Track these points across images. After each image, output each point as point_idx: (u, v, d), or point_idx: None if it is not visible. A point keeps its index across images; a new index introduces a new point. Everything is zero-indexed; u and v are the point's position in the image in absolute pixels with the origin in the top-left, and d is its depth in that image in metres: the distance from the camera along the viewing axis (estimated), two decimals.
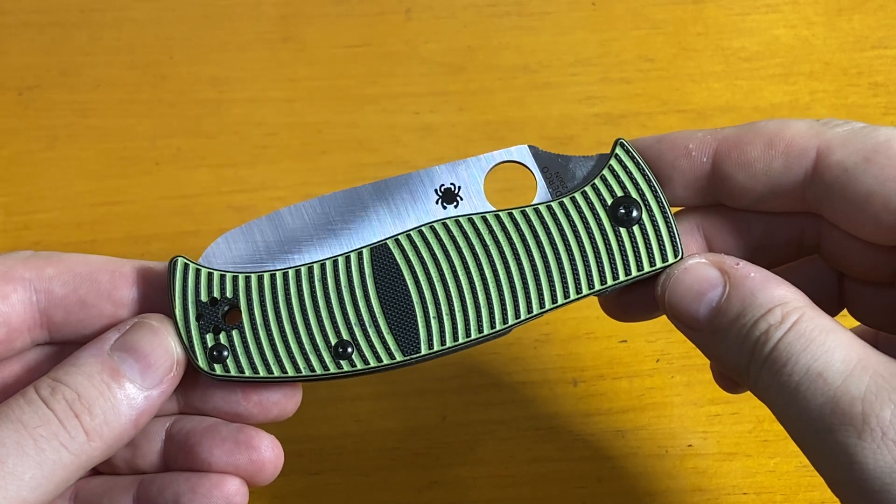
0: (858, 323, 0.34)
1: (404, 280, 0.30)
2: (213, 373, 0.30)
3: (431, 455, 0.44)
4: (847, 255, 0.31)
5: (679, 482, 0.43)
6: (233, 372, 0.30)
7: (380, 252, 0.31)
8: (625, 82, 0.54)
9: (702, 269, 0.29)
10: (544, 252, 0.31)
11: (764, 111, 0.53)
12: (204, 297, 0.31)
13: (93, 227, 0.49)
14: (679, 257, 0.31)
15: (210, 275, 0.31)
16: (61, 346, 0.32)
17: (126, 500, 0.31)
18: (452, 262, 0.31)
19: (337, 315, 0.30)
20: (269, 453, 0.31)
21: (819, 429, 0.26)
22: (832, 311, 0.31)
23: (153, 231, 0.49)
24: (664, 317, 0.34)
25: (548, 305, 0.30)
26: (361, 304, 0.30)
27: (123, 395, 0.28)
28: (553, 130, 0.52)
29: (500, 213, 0.31)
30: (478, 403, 0.45)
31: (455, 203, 0.31)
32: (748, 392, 0.32)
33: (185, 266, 0.31)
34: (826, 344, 0.26)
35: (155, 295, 0.31)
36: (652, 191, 0.31)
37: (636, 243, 0.31)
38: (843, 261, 0.31)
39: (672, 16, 0.56)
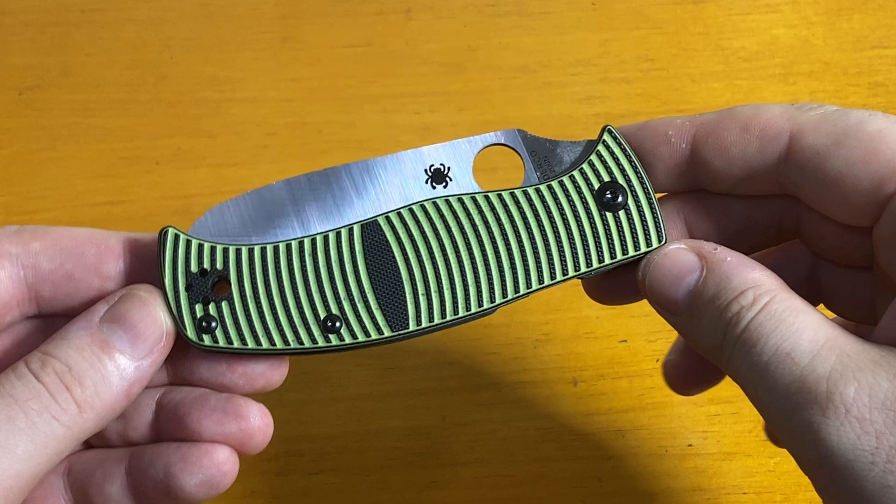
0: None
1: (394, 257, 0.31)
2: (201, 343, 0.30)
3: (431, 455, 0.44)
4: (824, 238, 0.31)
5: (679, 482, 0.43)
6: (221, 343, 0.30)
7: (370, 229, 0.31)
8: (625, 82, 0.54)
9: (680, 254, 0.30)
10: (532, 234, 0.31)
11: None
12: (194, 268, 0.31)
13: (93, 227, 0.49)
14: (662, 243, 0.31)
15: (200, 246, 0.31)
16: (50, 319, 0.32)
17: (119, 472, 0.31)
18: (442, 240, 0.31)
19: (326, 289, 0.31)
20: (257, 422, 0.31)
21: (786, 407, 0.26)
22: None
23: (153, 231, 0.49)
24: (650, 304, 0.34)
25: (534, 286, 0.31)
26: (351, 279, 0.31)
27: (114, 366, 0.28)
28: (553, 130, 0.52)
29: (489, 195, 0.31)
30: (478, 403, 0.45)
31: (444, 183, 0.32)
32: None
33: (176, 236, 0.31)
34: (795, 325, 0.27)
35: (142, 267, 0.31)
36: (638, 177, 0.31)
37: (622, 228, 0.31)
38: (822, 243, 0.32)
39: (672, 16, 0.56)
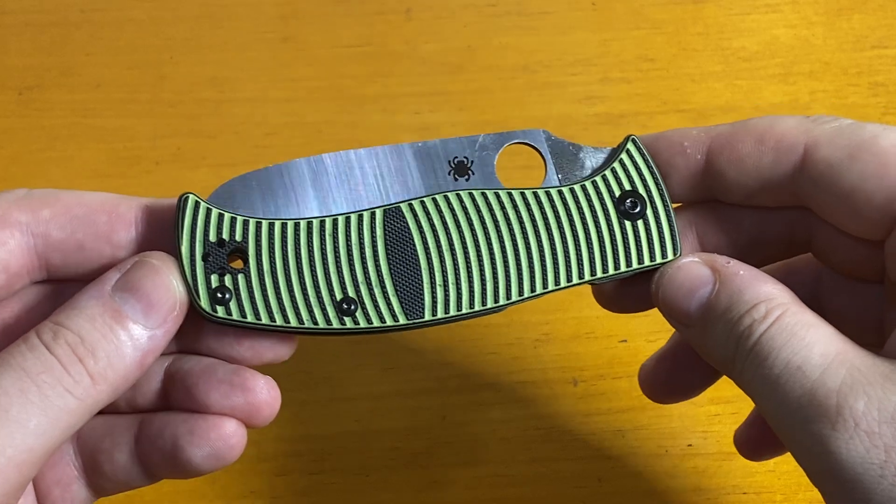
0: None
1: (414, 245, 0.31)
2: (214, 314, 0.30)
3: (431, 455, 0.44)
4: (836, 251, 0.31)
5: (679, 482, 0.43)
6: (234, 316, 0.30)
7: (393, 214, 0.31)
8: (625, 82, 0.54)
9: (694, 267, 0.30)
10: (551, 235, 0.31)
11: (764, 111, 0.53)
12: (212, 237, 0.30)
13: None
14: (677, 255, 0.31)
15: (221, 215, 0.30)
16: (60, 284, 0.32)
17: (127, 440, 0.31)
18: (462, 233, 0.31)
19: (345, 271, 0.30)
20: (264, 395, 0.30)
21: (797, 420, 0.26)
22: None
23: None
24: (664, 316, 0.34)
25: (549, 287, 0.31)
26: (370, 263, 0.30)
27: (127, 336, 0.28)
28: (553, 130, 0.52)
29: (512, 192, 0.31)
30: (478, 403, 0.45)
31: (466, 176, 0.32)
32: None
33: (196, 203, 0.31)
34: (807, 338, 0.27)
35: (154, 235, 0.31)
36: (658, 189, 0.32)
37: (639, 237, 0.31)
38: (833, 256, 0.32)
39: (672, 16, 0.56)
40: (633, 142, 0.32)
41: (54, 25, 0.56)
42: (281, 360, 0.32)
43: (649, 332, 0.46)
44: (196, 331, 0.31)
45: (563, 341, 0.46)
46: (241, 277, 0.30)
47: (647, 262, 0.31)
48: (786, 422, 0.27)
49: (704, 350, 0.30)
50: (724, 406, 0.44)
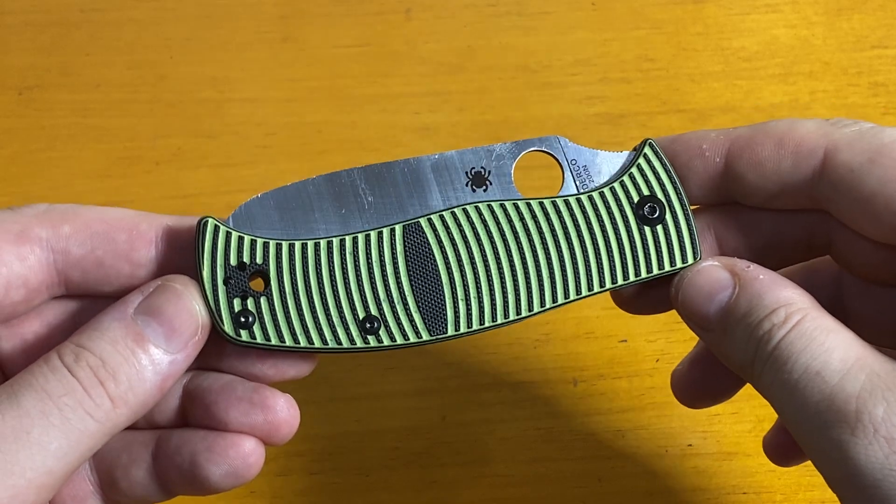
0: None
1: (435, 260, 0.31)
2: (238, 339, 0.30)
3: (431, 455, 0.44)
4: (855, 254, 0.31)
5: (679, 482, 0.43)
6: (259, 339, 0.30)
7: (412, 230, 0.31)
8: (625, 82, 0.54)
9: (714, 271, 0.30)
10: (571, 243, 0.31)
11: (764, 111, 0.53)
12: (233, 261, 0.30)
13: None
14: (697, 259, 0.31)
15: (241, 238, 0.30)
16: (79, 300, 0.32)
17: (145, 457, 0.31)
18: (483, 245, 0.31)
19: (366, 289, 0.30)
20: (284, 413, 0.30)
21: (816, 426, 0.26)
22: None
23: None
24: (664, 316, 0.34)
25: (571, 296, 0.31)
26: (391, 280, 0.30)
27: (148, 360, 0.28)
28: (553, 130, 0.52)
29: (531, 202, 0.31)
30: (478, 403, 0.45)
31: (484, 187, 0.32)
32: (748, 391, 0.32)
33: (216, 228, 0.30)
34: (826, 343, 0.27)
35: (174, 254, 0.31)
36: (676, 192, 0.32)
37: (658, 243, 0.31)
38: (852, 260, 0.32)
39: (672, 16, 0.56)
40: (651, 146, 0.32)
41: (54, 25, 0.56)
42: (303, 376, 0.32)
43: (649, 332, 0.46)
44: (218, 349, 0.31)
45: (563, 341, 0.46)
46: (263, 300, 0.30)
47: (667, 266, 0.31)
48: (805, 427, 0.27)
49: (723, 354, 0.30)
50: (724, 406, 0.44)
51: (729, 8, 0.56)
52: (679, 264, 0.31)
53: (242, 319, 0.30)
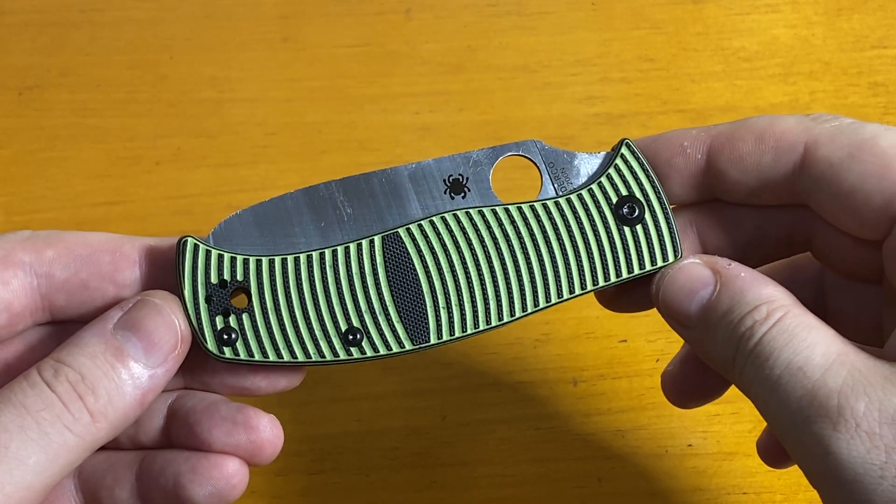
0: None
1: (415, 269, 0.31)
2: (222, 356, 0.30)
3: (431, 455, 0.44)
4: (835, 251, 0.32)
5: (679, 482, 0.43)
6: (242, 356, 0.30)
7: (391, 240, 0.31)
8: (625, 82, 0.54)
9: (695, 268, 0.30)
10: (551, 248, 0.31)
11: (764, 111, 0.53)
12: (213, 279, 0.30)
13: (93, 227, 0.49)
14: (678, 257, 0.31)
15: (220, 256, 0.30)
16: (63, 325, 0.32)
17: (129, 477, 0.31)
18: (462, 253, 0.31)
19: (347, 302, 0.31)
20: (267, 433, 0.31)
21: (797, 421, 0.26)
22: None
23: (153, 231, 0.49)
24: (664, 318, 0.34)
25: (552, 300, 0.31)
26: (372, 291, 0.31)
27: (128, 374, 0.28)
28: (553, 130, 0.52)
29: (509, 207, 0.31)
30: (478, 403, 0.45)
31: (462, 194, 0.32)
32: None
33: (195, 247, 0.30)
34: (808, 340, 0.27)
35: (157, 274, 0.31)
36: (655, 192, 0.32)
37: (639, 242, 0.31)
38: (832, 256, 0.32)
39: (672, 16, 0.56)
40: (627, 146, 0.32)
41: (54, 25, 0.56)
42: (294, 386, 0.32)
43: (649, 332, 0.46)
44: (210, 366, 0.31)
45: (563, 341, 0.46)
46: (245, 317, 0.30)
47: (648, 266, 0.31)
48: (786, 423, 0.27)
49: (704, 352, 0.30)
50: (724, 406, 0.44)
51: (729, 8, 0.56)
52: (660, 263, 0.31)
53: (225, 336, 0.30)
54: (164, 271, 0.31)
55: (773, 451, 0.38)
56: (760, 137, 0.31)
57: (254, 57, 0.55)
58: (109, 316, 0.29)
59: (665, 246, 0.31)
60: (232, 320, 0.30)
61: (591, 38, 0.55)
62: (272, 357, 0.30)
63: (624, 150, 0.32)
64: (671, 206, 0.32)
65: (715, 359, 0.30)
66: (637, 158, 0.32)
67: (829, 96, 0.53)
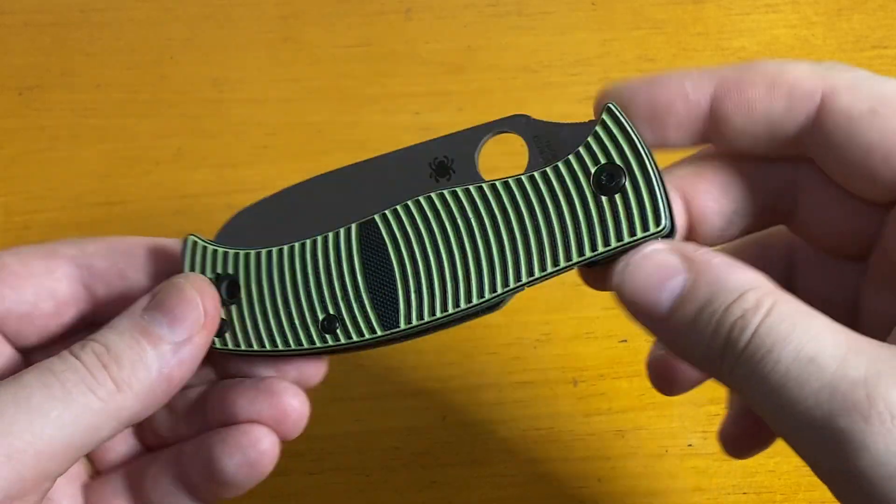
0: None
1: (388, 254, 0.30)
2: (215, 346, 0.31)
3: (431, 455, 0.44)
4: (824, 219, 0.30)
5: (679, 482, 0.43)
6: (230, 345, 0.31)
7: (367, 227, 0.31)
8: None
9: (661, 255, 0.27)
10: (523, 222, 0.29)
11: None
12: (209, 274, 0.32)
13: (93, 227, 0.49)
14: (662, 226, 0.28)
15: (215, 252, 0.32)
16: None
17: (171, 465, 0.32)
18: (435, 235, 0.30)
19: (325, 290, 0.31)
20: (290, 399, 0.31)
21: (816, 417, 0.24)
22: None
23: (153, 231, 0.49)
24: (628, 313, 0.32)
25: (524, 278, 0.29)
26: (348, 279, 0.31)
27: (153, 348, 0.29)
28: None
29: (483, 185, 0.30)
30: (478, 403, 0.45)
31: (447, 176, 0.31)
32: None
33: (195, 243, 0.32)
34: (812, 327, 0.24)
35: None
36: (637, 157, 0.28)
37: (617, 211, 0.28)
38: (818, 226, 0.30)
39: (672, 16, 0.56)
40: (609, 110, 0.29)
41: (54, 25, 0.56)
42: (317, 377, 0.33)
43: None
44: (233, 359, 0.32)
45: (563, 341, 0.46)
46: (234, 308, 0.31)
47: (626, 237, 0.28)
48: (799, 420, 0.24)
49: (680, 348, 0.27)
50: (723, 406, 0.44)
51: (729, 8, 0.56)
52: (640, 233, 0.28)
53: (220, 328, 0.31)
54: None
55: (740, 443, 0.36)
56: (773, 83, 0.28)
57: (254, 57, 0.55)
58: (139, 302, 0.30)
59: (647, 214, 0.28)
60: (224, 312, 0.31)
61: (592, 38, 0.55)
62: (256, 346, 0.31)
63: (605, 116, 0.29)
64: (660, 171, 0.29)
65: (695, 355, 0.27)
66: (619, 123, 0.29)
67: None
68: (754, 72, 0.29)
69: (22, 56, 0.55)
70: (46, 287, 0.32)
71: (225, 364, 0.33)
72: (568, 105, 0.53)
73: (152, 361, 0.29)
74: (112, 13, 0.56)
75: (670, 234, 0.28)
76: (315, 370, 0.32)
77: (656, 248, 0.28)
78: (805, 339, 0.24)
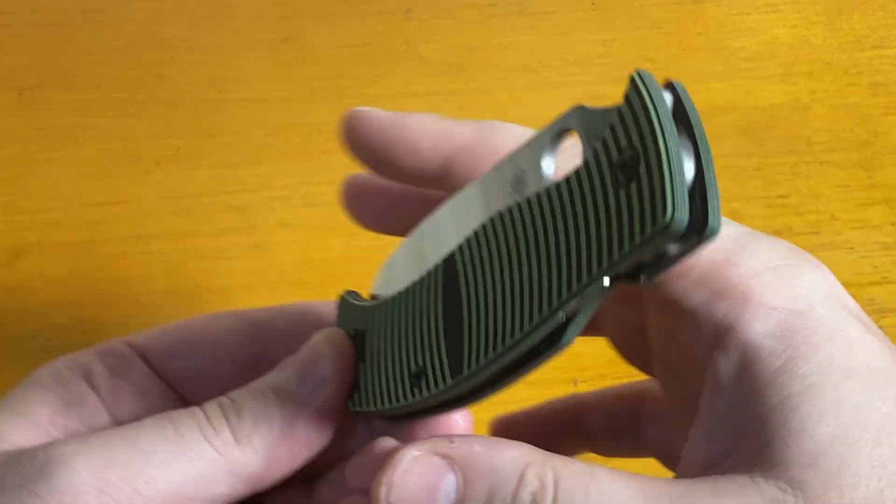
0: None
1: (460, 287, 0.26)
2: (349, 406, 0.29)
3: None
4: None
5: None
6: (356, 405, 0.28)
7: (448, 264, 0.27)
8: (625, 82, 0.54)
9: (422, 459, 0.25)
10: (557, 232, 0.24)
11: (764, 111, 0.53)
12: (350, 331, 0.29)
13: (93, 227, 0.49)
14: (670, 216, 0.20)
15: (351, 307, 0.29)
16: None
17: None
18: (493, 262, 0.25)
19: (416, 341, 0.27)
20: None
21: None
22: None
23: (153, 231, 0.49)
24: None
25: (560, 296, 0.24)
26: (432, 324, 0.27)
27: (278, 403, 0.27)
28: None
29: (530, 198, 0.25)
30: (478, 403, 0.45)
31: (523, 190, 0.26)
32: None
33: (342, 301, 0.30)
34: (602, 488, 0.23)
35: None
36: (653, 135, 0.21)
37: (632, 205, 0.22)
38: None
39: (672, 16, 0.56)
40: (633, 82, 0.23)
41: (54, 25, 0.56)
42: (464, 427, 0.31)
43: None
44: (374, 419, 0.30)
45: None
46: (361, 365, 0.28)
47: (637, 236, 0.21)
48: None
49: None
50: None
51: (729, 8, 0.56)
52: (650, 230, 0.21)
53: (354, 386, 0.29)
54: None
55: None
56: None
57: (254, 57, 0.55)
58: (281, 364, 0.28)
59: (655, 204, 0.21)
60: (358, 368, 0.29)
61: (592, 38, 0.55)
62: (371, 406, 0.28)
63: (629, 91, 0.23)
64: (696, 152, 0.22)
65: None
66: (640, 97, 0.23)
67: (830, 96, 0.53)
68: (492, 140, 0.28)
69: (22, 56, 0.55)
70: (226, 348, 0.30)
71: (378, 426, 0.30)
72: (568, 105, 0.53)
73: (275, 416, 0.27)
74: (112, 13, 0.56)
75: (697, 231, 0.21)
76: (465, 418, 0.30)
77: (413, 453, 0.25)
78: (599, 498, 0.23)
